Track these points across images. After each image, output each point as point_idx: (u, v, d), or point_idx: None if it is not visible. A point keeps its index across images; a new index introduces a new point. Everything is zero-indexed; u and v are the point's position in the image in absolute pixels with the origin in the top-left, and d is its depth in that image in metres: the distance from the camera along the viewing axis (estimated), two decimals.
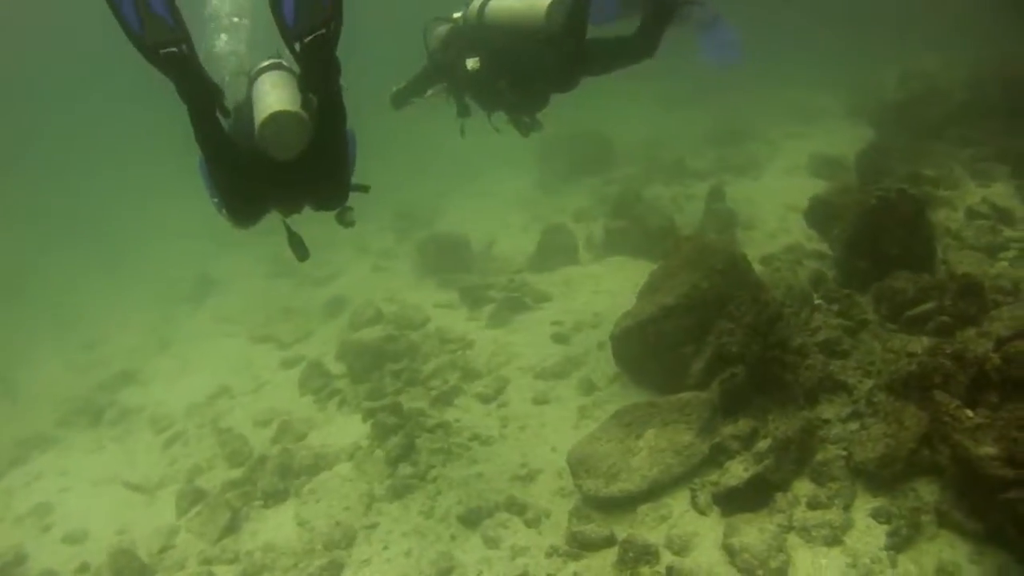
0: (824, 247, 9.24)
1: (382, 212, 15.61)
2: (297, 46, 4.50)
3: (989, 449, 4.73)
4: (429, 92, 7.60)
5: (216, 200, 5.23)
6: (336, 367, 10.03)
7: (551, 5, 6.34)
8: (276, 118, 4.71)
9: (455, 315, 10.74)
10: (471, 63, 6.83)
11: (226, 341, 12.69)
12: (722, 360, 6.62)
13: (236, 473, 8.45)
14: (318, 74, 4.66)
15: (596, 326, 9.16)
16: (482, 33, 6.89)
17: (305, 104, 4.81)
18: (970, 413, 5.18)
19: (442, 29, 7.30)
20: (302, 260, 5.83)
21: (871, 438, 5.57)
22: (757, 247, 9.50)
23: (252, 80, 5.18)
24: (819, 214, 9.47)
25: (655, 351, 7.22)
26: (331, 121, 4.90)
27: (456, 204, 16.74)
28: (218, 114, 4.69)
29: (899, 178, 9.70)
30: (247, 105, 5.08)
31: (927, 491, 5.28)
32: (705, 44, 8.45)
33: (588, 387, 8.01)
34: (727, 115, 17.11)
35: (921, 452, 5.44)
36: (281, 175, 4.98)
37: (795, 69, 18.07)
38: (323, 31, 4.44)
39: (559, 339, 9.18)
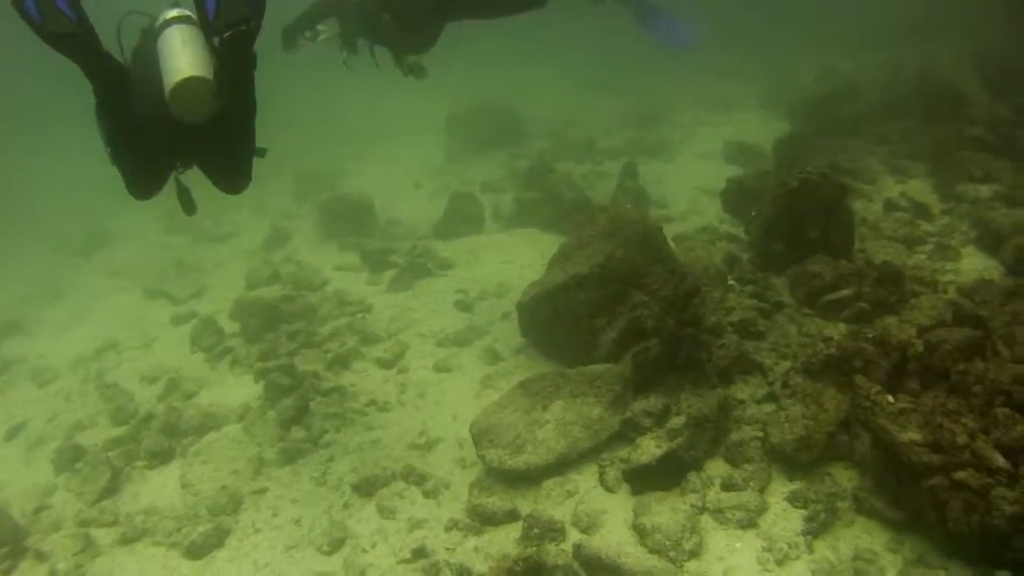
0: (738, 230, 9.34)
1: (284, 174, 15.34)
2: (216, 40, 4.56)
3: (913, 435, 4.75)
4: (320, 27, 7.44)
5: (118, 170, 5.08)
6: (229, 326, 9.70)
7: None
8: (189, 83, 4.63)
9: (355, 278, 10.54)
10: None
11: (117, 295, 12.21)
12: (636, 332, 6.54)
13: (119, 431, 8.03)
14: (234, 68, 4.69)
15: (502, 296, 9.05)
16: None
17: (217, 73, 4.75)
18: (891, 399, 5.21)
19: None
20: (189, 214, 5.77)
21: (789, 419, 5.55)
22: (669, 227, 9.44)
23: (157, 31, 4.96)
24: (735, 196, 9.57)
25: (564, 321, 7.08)
26: (241, 108, 4.93)
27: (360, 169, 16.52)
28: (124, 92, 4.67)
29: (817, 165, 9.86)
30: (151, 57, 4.90)
31: (845, 476, 5.31)
32: (653, 31, 8.49)
33: (492, 356, 7.85)
34: (643, 100, 17.29)
35: (840, 437, 5.46)
36: (184, 138, 4.96)
37: (714, 59, 18.29)
38: (243, 27, 4.51)
39: (463, 307, 9.04)
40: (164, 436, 7.65)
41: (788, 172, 8.24)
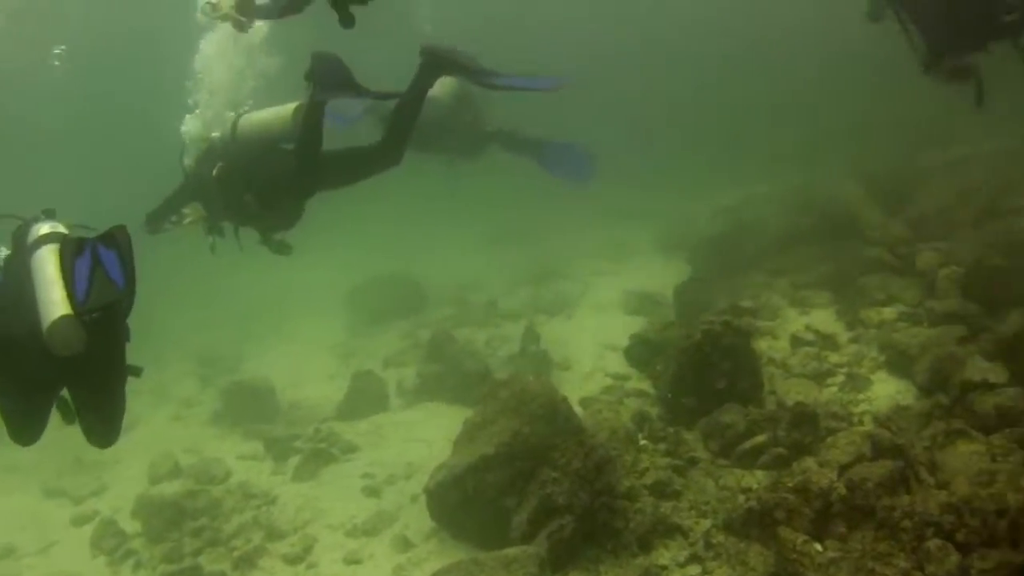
0: (645, 385, 9.31)
1: (185, 356, 15.21)
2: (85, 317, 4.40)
3: None
4: (185, 211, 7.48)
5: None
6: (131, 525, 9.35)
7: (296, 109, 6.60)
8: (67, 323, 4.39)
9: (259, 468, 10.34)
10: (216, 169, 6.93)
11: (13, 495, 11.61)
12: (548, 510, 6.40)
13: None
14: (104, 342, 4.61)
15: (409, 477, 8.93)
16: (236, 148, 6.99)
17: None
18: (819, 547, 5.12)
19: (200, 146, 7.29)
20: (69, 423, 5.39)
21: None
22: (575, 388, 9.47)
23: (30, 247, 4.77)
24: (639, 352, 9.59)
25: (475, 504, 6.95)
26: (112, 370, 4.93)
27: (262, 349, 16.23)
28: None
29: (719, 311, 9.94)
30: (24, 274, 4.69)
31: None
32: (551, 167, 8.65)
33: (403, 544, 7.70)
34: (538, 255, 17.44)
35: None
36: (61, 370, 4.72)
37: (608, 202, 18.67)
38: (114, 307, 4.48)
39: (370, 492, 8.91)
40: None
41: (690, 323, 8.33)
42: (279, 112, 6.82)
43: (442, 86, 8.54)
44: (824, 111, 18.80)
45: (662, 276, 13.45)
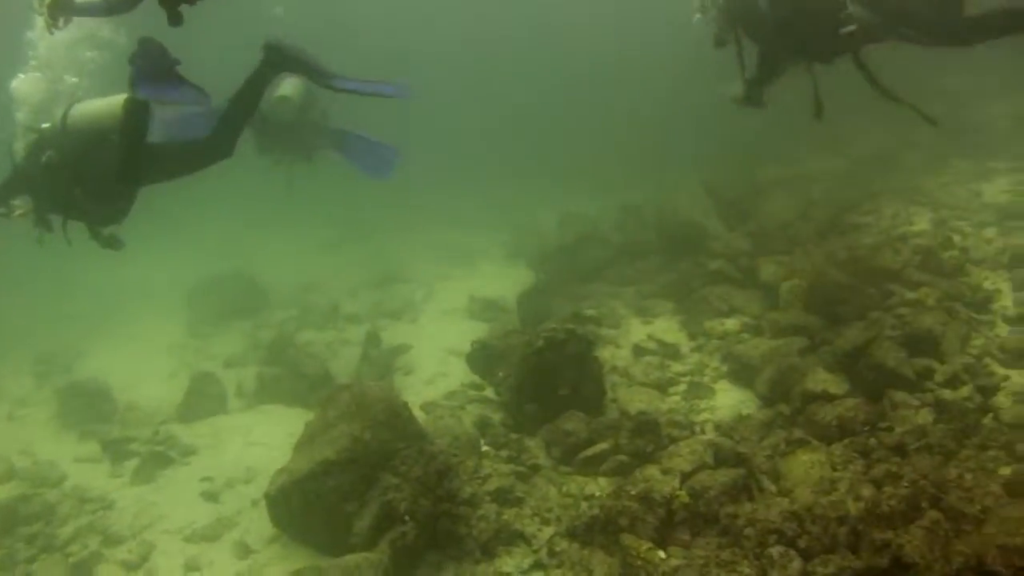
0: (487, 391, 9.22)
1: (21, 352, 14.53)
2: None
3: None
4: (15, 202, 7.12)
5: None
6: None
7: (126, 100, 6.40)
8: None
9: (96, 471, 9.86)
10: (44, 157, 6.69)
11: None
12: (390, 517, 6.27)
13: None
14: None
15: (249, 481, 8.69)
16: (65, 138, 6.76)
17: None
18: (663, 554, 5.08)
19: (30, 138, 7.02)
20: None
21: None
22: (417, 393, 9.35)
23: None
24: (481, 358, 9.47)
25: (316, 509, 6.74)
26: None
27: (101, 347, 15.55)
28: None
29: (561, 319, 9.94)
30: None
31: None
32: (355, 159, 8.55)
33: (243, 550, 7.46)
34: (382, 258, 17.36)
35: None
36: None
37: (455, 210, 18.65)
38: None
39: (209, 497, 8.60)
40: None
41: (533, 330, 8.28)
42: (110, 103, 6.58)
43: (293, 86, 8.41)
44: (670, 124, 19.21)
45: (508, 283, 13.49)
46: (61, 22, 6.44)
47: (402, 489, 6.38)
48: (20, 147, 7.07)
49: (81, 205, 6.89)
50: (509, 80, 29.45)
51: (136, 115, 6.35)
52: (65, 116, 6.79)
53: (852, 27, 6.24)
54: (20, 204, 7.19)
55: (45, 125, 6.94)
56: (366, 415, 7.00)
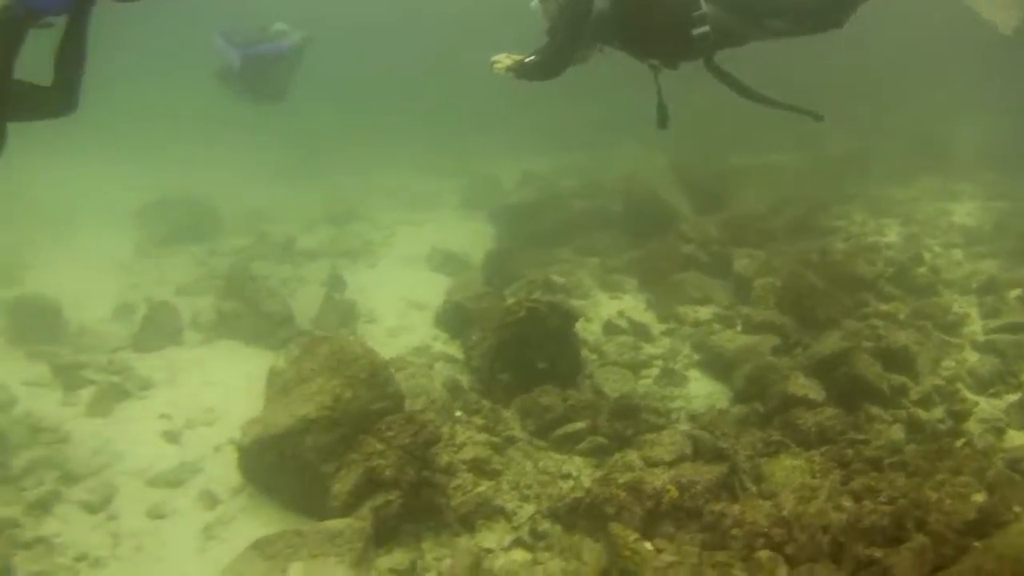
0: (453, 350, 9.32)
1: None
2: None
3: None
4: None
5: None
6: None
7: None
8: None
9: (48, 397, 9.39)
10: None
11: None
12: (373, 484, 6.25)
13: None
14: None
15: (210, 424, 8.47)
16: None
17: None
18: (649, 546, 5.26)
19: None
20: None
21: (548, 574, 5.48)
22: (382, 345, 9.21)
23: None
24: (452, 318, 9.57)
25: (290, 466, 6.69)
26: None
27: (45, 260, 14.92)
28: None
29: (530, 282, 10.10)
30: None
31: None
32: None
33: (210, 500, 7.27)
34: (337, 194, 17.25)
35: None
36: None
37: (407, 152, 18.59)
38: None
39: (170, 437, 8.34)
40: None
41: (515, 299, 8.32)
42: None
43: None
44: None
45: (468, 235, 13.61)
46: None
47: (387, 456, 6.33)
48: None
49: None
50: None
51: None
52: None
53: (705, 28, 6.12)
54: None
55: None
56: (347, 371, 6.94)
